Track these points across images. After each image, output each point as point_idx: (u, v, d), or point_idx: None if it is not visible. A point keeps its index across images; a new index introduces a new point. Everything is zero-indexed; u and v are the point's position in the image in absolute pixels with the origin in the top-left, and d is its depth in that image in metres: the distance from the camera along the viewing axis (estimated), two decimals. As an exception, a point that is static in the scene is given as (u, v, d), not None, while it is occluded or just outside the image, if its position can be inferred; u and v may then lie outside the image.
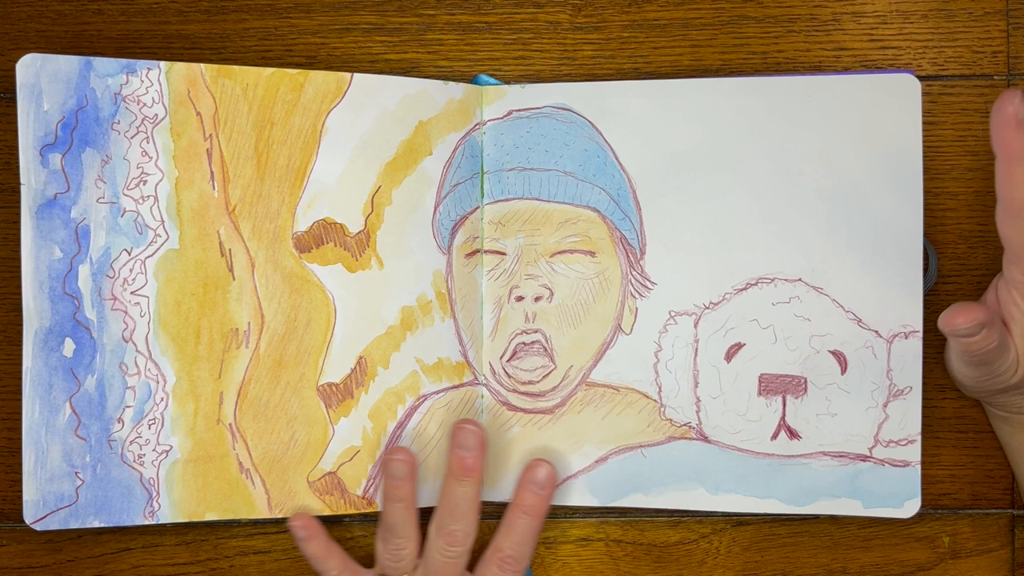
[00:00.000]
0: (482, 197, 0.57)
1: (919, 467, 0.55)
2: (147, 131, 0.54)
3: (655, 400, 0.56)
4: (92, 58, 0.53)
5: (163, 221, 0.54)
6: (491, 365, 0.57)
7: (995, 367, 0.51)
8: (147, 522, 0.54)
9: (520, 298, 0.57)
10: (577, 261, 0.57)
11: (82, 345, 0.54)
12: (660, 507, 0.56)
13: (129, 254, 0.54)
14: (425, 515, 0.55)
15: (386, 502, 0.55)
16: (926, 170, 0.56)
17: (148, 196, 0.54)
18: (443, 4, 0.58)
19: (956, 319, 0.48)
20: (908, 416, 0.55)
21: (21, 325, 0.53)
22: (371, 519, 0.59)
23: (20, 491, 0.53)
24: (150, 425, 0.54)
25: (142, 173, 0.54)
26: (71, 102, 0.53)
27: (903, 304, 0.55)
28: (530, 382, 0.57)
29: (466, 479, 0.54)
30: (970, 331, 0.48)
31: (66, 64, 0.53)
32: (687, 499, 0.56)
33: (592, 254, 0.57)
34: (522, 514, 0.55)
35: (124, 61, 0.54)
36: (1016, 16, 0.58)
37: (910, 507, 0.55)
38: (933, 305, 0.58)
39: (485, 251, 0.57)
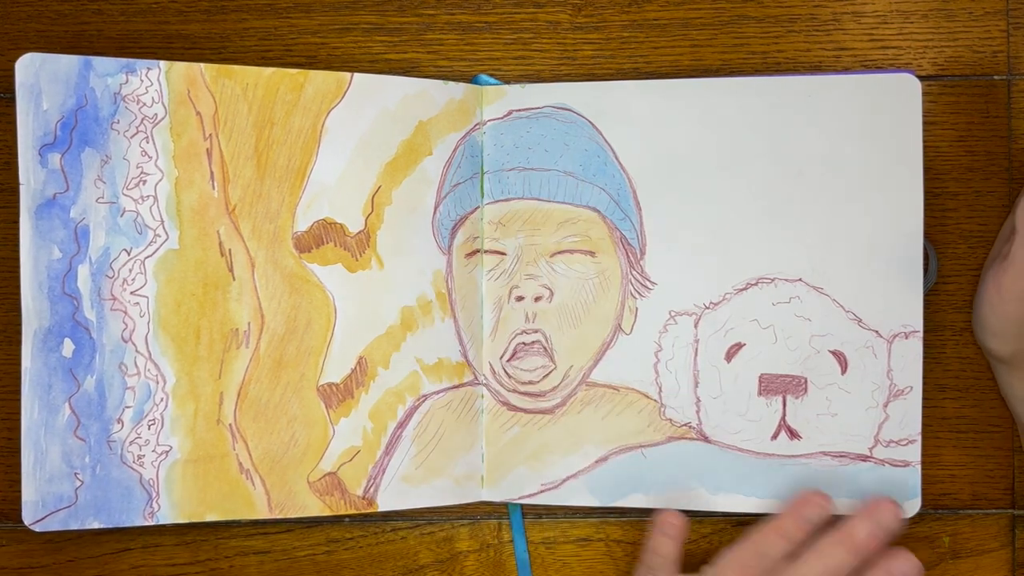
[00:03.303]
0: (482, 197, 0.57)
1: (919, 467, 0.55)
2: (147, 131, 0.54)
3: (655, 400, 0.56)
4: (91, 58, 0.53)
5: (163, 221, 0.54)
6: (491, 365, 0.57)
7: None
8: (147, 523, 0.54)
9: (520, 298, 0.57)
10: (577, 261, 0.57)
11: (81, 345, 0.54)
12: (660, 507, 0.56)
13: (129, 254, 0.54)
14: (429, 519, 0.55)
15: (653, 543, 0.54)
16: (926, 170, 0.56)
17: (148, 196, 0.54)
18: (443, 4, 0.58)
19: None
20: (908, 416, 0.55)
21: (20, 325, 0.53)
22: (371, 519, 0.58)
23: (20, 491, 0.53)
24: (150, 426, 0.54)
25: (142, 173, 0.54)
26: (70, 102, 0.53)
27: (903, 304, 0.55)
28: (530, 382, 0.57)
29: None
30: None
31: (65, 64, 0.53)
32: (687, 499, 0.56)
33: (592, 254, 0.57)
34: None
35: (124, 61, 0.54)
36: (1016, 16, 0.58)
37: (910, 507, 0.55)
38: (933, 305, 0.58)
39: (485, 251, 0.57)
